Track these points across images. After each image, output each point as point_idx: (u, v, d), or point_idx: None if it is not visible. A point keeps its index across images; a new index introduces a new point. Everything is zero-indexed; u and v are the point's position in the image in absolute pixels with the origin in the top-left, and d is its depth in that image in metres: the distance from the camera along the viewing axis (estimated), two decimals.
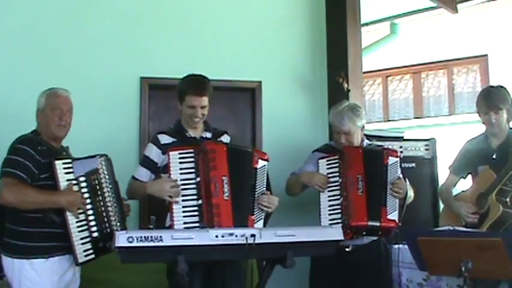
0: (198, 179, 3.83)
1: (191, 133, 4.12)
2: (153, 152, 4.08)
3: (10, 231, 3.75)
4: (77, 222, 3.72)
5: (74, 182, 3.74)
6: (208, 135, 4.18)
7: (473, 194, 4.25)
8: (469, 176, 4.45)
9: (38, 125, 3.93)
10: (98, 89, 5.20)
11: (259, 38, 5.75)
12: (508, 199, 4.06)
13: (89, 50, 5.26)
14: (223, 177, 3.81)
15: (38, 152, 3.73)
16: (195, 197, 3.82)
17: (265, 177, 4.03)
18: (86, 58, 5.23)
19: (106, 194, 3.86)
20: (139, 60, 5.38)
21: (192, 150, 3.85)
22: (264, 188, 4.00)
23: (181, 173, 3.84)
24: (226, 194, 3.80)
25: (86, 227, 3.75)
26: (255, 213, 3.91)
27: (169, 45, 5.47)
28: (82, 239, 3.73)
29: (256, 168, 3.95)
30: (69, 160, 3.80)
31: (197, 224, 3.76)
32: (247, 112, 5.71)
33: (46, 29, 5.17)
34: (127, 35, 5.37)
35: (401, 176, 4.30)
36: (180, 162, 3.84)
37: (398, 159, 4.33)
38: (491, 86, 4.37)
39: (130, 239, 3.10)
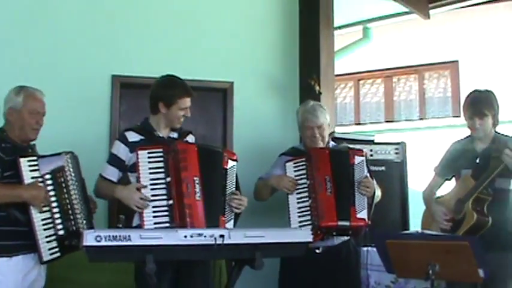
0: (168, 179, 3.80)
1: (159, 133, 4.10)
2: (121, 150, 4.02)
3: None
4: (42, 220, 3.68)
5: (40, 179, 3.70)
6: (175, 135, 4.16)
7: (452, 198, 4.24)
8: (454, 179, 4.42)
9: (7, 123, 3.86)
10: (68, 86, 5.14)
11: (232, 39, 5.76)
12: (484, 207, 4.03)
13: (60, 47, 5.21)
14: (195, 178, 3.79)
15: (1, 149, 3.69)
16: (165, 197, 3.79)
17: (235, 178, 4.03)
18: (56, 55, 5.18)
19: (72, 192, 3.80)
20: (111, 58, 5.35)
21: (161, 150, 3.83)
22: (234, 188, 4.01)
23: (150, 173, 3.81)
24: (198, 195, 3.78)
25: (51, 225, 3.71)
26: (225, 213, 3.92)
27: (142, 44, 5.44)
28: (47, 237, 3.69)
29: (226, 169, 3.95)
30: (35, 158, 3.75)
31: (167, 224, 3.74)
32: (218, 112, 5.70)
33: (16, 24, 5.10)
34: (99, 32, 5.34)
35: (368, 175, 4.35)
36: (149, 162, 3.81)
37: (364, 158, 4.39)
38: (478, 91, 4.25)
39: (98, 238, 3.06)
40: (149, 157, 3.81)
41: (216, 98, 5.64)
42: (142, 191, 3.80)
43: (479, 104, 4.12)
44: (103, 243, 3.07)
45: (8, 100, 3.87)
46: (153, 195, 3.79)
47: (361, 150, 4.46)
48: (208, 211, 3.79)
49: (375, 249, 4.15)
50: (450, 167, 4.36)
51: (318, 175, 4.28)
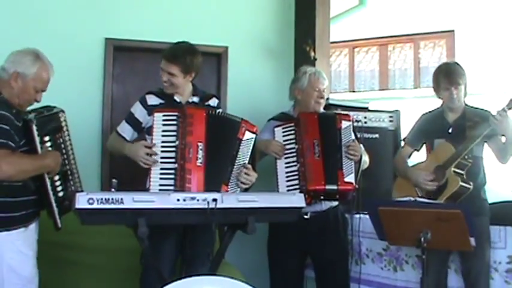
0: (177, 142, 3.78)
1: (178, 97, 4.06)
2: (138, 111, 4.05)
3: None
4: (50, 185, 3.50)
5: (43, 141, 3.48)
6: (196, 99, 4.12)
7: (429, 166, 4.30)
8: (423, 149, 4.49)
9: (5, 85, 3.48)
10: (61, 49, 5.04)
11: (227, 4, 5.70)
12: (464, 172, 4.12)
13: (53, 9, 5.13)
14: (199, 143, 3.77)
15: (14, 115, 3.41)
16: (173, 160, 3.77)
17: (250, 151, 3.96)
18: (49, 17, 5.10)
19: (70, 152, 3.74)
20: (104, 21, 5.28)
21: (176, 114, 3.81)
22: (246, 161, 3.93)
23: (163, 135, 3.80)
24: (200, 160, 3.75)
25: (54, 189, 3.54)
26: (230, 184, 3.85)
27: (136, 7, 5.37)
28: (55, 201, 3.52)
29: (241, 139, 3.89)
30: (35, 120, 3.43)
31: (172, 188, 3.71)
32: (212, 77, 5.66)
33: None
34: None
35: (354, 139, 4.37)
36: (163, 125, 3.80)
37: (351, 123, 4.42)
38: (447, 63, 4.43)
39: (90, 201, 3.04)
40: (164, 120, 3.80)
41: (211, 62, 5.59)
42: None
43: (454, 75, 4.24)
44: (95, 206, 3.04)
45: (19, 63, 3.50)
46: (162, 158, 3.77)
47: (348, 115, 4.49)
48: (209, 178, 3.76)
49: (367, 216, 4.17)
50: (421, 137, 4.46)
51: (307, 139, 4.30)
